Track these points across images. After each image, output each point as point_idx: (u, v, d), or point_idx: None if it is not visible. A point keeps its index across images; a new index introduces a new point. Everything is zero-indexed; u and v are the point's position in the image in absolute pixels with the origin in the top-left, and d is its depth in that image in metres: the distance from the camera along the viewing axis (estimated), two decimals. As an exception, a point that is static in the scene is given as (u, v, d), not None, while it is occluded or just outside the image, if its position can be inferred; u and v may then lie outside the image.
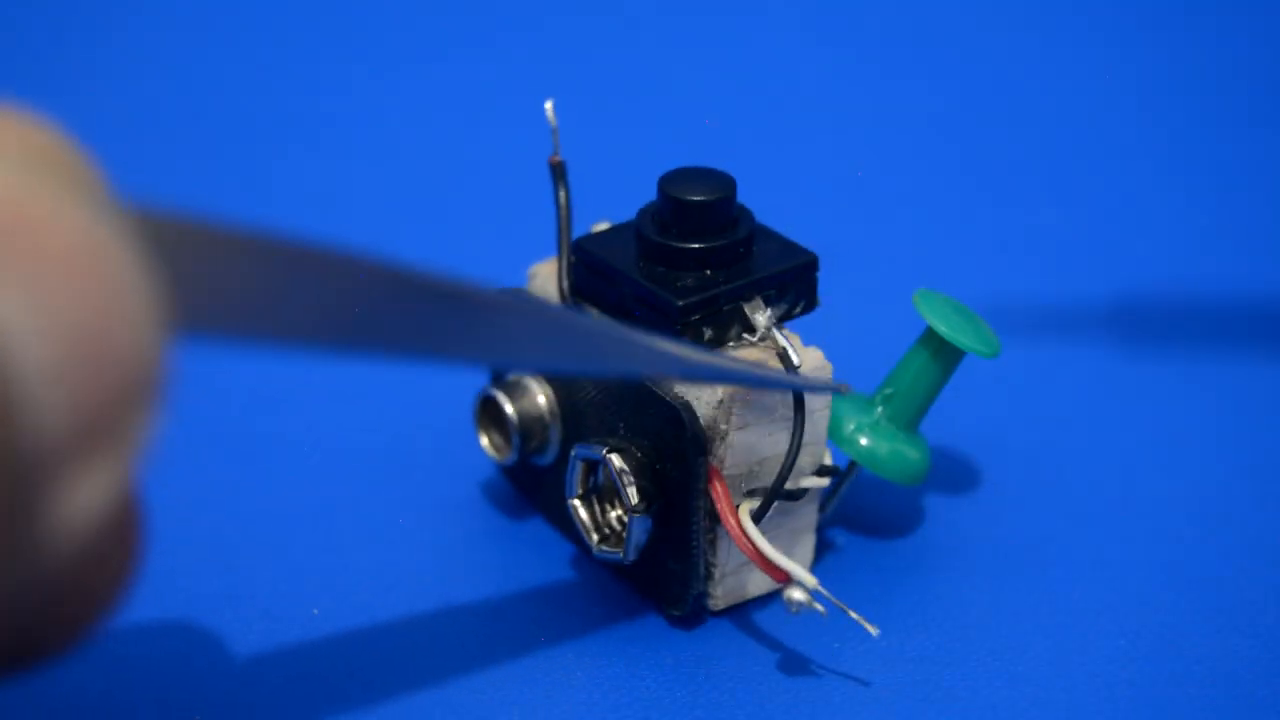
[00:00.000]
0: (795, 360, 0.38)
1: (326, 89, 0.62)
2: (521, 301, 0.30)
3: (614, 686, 0.38)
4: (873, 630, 0.37)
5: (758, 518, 0.38)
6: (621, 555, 0.39)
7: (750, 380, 0.37)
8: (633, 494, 0.38)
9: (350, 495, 0.43)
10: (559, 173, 0.41)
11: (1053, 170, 0.58)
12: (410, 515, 0.43)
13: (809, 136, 0.60)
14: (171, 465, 0.44)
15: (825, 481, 0.40)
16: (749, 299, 0.39)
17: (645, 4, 0.67)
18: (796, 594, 0.37)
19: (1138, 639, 0.39)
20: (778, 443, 0.39)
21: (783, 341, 0.39)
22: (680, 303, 0.38)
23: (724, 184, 0.40)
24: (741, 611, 0.40)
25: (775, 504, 0.38)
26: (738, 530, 0.38)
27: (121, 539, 0.27)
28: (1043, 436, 0.46)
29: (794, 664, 0.39)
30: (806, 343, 0.39)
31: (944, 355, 0.40)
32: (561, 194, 0.41)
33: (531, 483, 0.43)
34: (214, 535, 0.42)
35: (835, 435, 0.41)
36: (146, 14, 0.65)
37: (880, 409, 0.41)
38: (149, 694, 0.37)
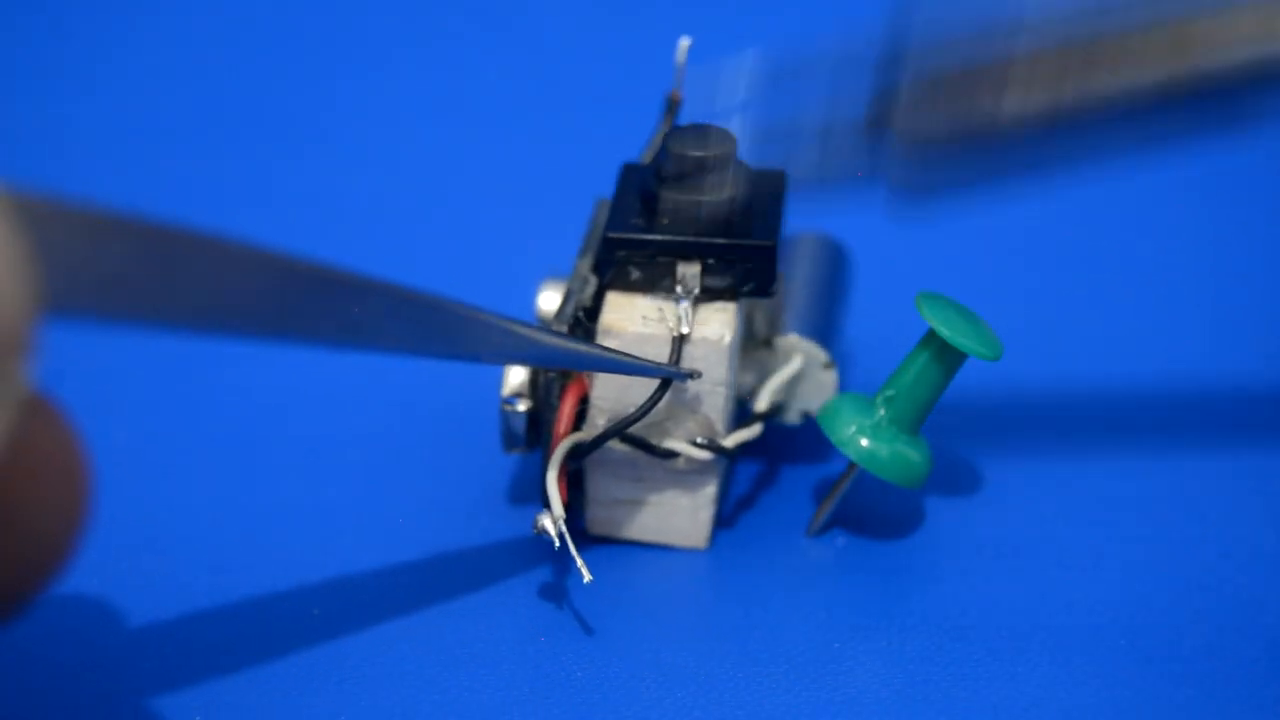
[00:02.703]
0: (684, 330, 0.39)
1: (322, 94, 0.62)
2: (381, 286, 0.31)
3: (614, 687, 0.38)
4: (586, 576, 0.38)
5: (585, 451, 0.39)
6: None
7: (605, 366, 0.38)
8: (507, 384, 0.40)
9: (350, 495, 0.43)
10: (671, 106, 0.43)
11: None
12: (410, 515, 0.43)
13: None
14: (170, 466, 0.44)
15: (702, 454, 0.40)
16: (688, 259, 0.39)
17: (644, 4, 0.67)
18: (545, 520, 0.38)
19: (1137, 639, 0.39)
20: (651, 390, 0.39)
21: (679, 311, 0.39)
22: (610, 234, 0.40)
23: (709, 144, 0.40)
24: (740, 610, 0.40)
25: (650, 460, 0.40)
26: (553, 445, 0.39)
27: (42, 494, 0.28)
28: (1043, 437, 0.46)
29: (793, 664, 0.39)
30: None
31: (945, 357, 0.40)
32: (665, 126, 0.43)
33: None
34: (212, 535, 0.42)
35: (836, 437, 0.41)
36: (146, 14, 0.65)
37: (882, 411, 0.41)
38: (148, 694, 0.37)
